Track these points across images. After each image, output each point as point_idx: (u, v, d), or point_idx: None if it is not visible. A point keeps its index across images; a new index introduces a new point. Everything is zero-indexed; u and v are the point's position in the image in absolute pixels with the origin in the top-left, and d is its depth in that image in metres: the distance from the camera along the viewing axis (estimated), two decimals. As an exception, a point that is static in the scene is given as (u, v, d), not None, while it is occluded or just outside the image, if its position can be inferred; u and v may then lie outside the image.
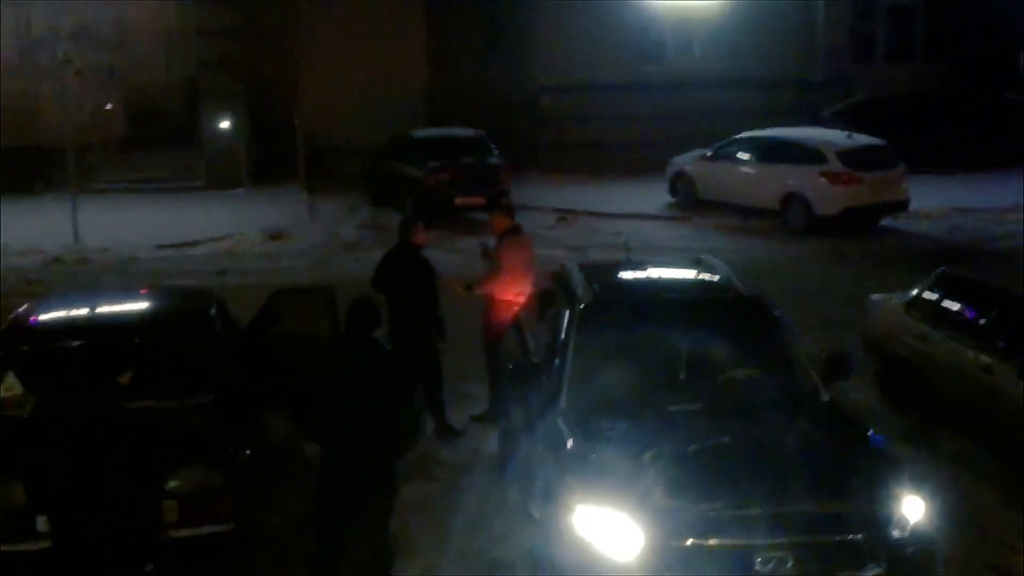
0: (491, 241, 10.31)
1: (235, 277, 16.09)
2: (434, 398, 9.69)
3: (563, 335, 7.78)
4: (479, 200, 20.34)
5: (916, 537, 6.39)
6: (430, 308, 9.69)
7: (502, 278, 9.74)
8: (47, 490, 6.45)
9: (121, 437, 7.06)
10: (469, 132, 21.97)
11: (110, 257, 17.78)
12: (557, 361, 7.64)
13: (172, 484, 6.80)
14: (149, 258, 17.85)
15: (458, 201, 20.05)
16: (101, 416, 7.11)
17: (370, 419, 6.92)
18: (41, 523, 6.61)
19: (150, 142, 25.12)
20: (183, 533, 6.76)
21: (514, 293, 9.70)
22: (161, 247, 18.45)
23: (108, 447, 6.97)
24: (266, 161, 24.37)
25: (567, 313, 7.96)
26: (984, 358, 8.83)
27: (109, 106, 25.05)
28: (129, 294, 9.92)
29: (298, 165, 22.20)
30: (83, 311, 8.64)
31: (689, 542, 6.15)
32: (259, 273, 16.43)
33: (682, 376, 7.67)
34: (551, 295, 8.79)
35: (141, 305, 9.12)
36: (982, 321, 9.11)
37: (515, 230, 10.09)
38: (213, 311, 8.73)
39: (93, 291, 11.32)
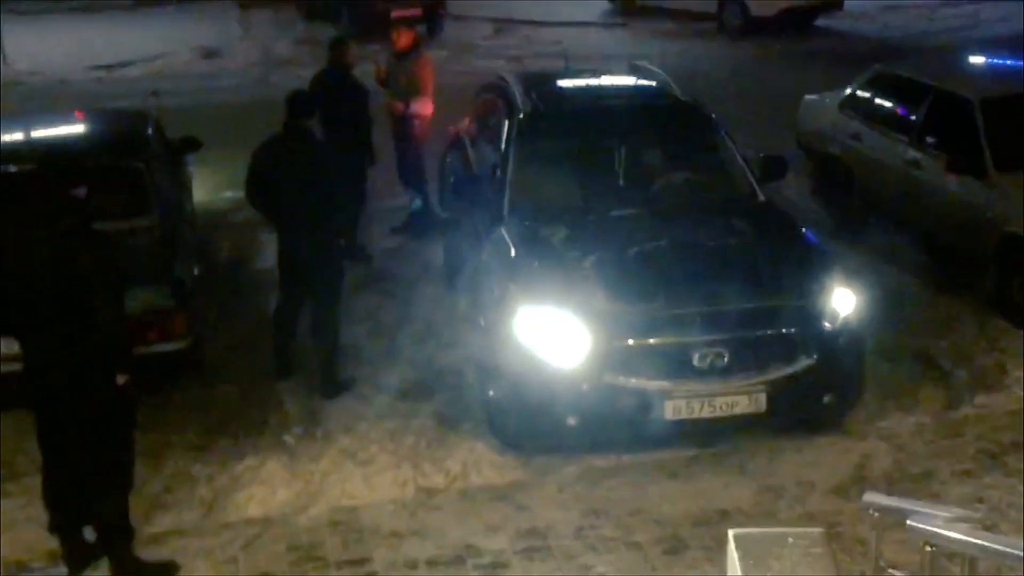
0: (384, 59, 10.28)
1: (170, 98, 15.81)
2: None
3: (503, 145, 7.86)
4: (416, 11, 19.91)
5: (846, 328, 6.70)
6: (365, 132, 9.53)
7: (427, 94, 9.80)
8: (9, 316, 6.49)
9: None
10: (402, -60, 21.36)
11: (41, 80, 17.36)
12: (498, 172, 7.75)
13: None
14: (81, 80, 17.45)
15: (394, 13, 19.63)
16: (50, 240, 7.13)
17: (313, 202, 7.24)
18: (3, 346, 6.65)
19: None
20: (140, 351, 6.89)
21: (432, 108, 9.85)
22: (93, 68, 18.03)
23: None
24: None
25: (506, 123, 8.03)
26: (913, 153, 9.06)
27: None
28: (64, 117, 9.80)
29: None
30: (18, 135, 8.55)
31: (630, 341, 6.42)
32: (195, 93, 16.17)
33: (622, 182, 7.83)
34: (490, 106, 8.83)
35: (78, 128, 9.04)
36: (912, 117, 9.29)
37: (419, 44, 10.10)
38: (149, 132, 8.71)
39: (27, 115, 11.12)
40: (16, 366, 5.81)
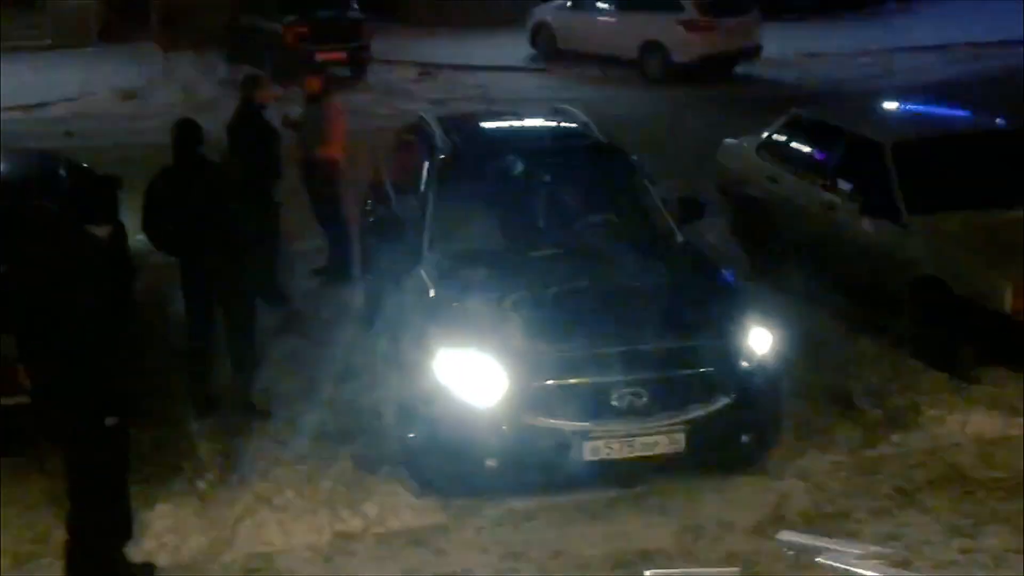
0: (295, 110, 10.44)
1: (85, 139, 15.62)
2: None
3: (423, 186, 7.85)
4: (340, 55, 20.01)
5: (762, 368, 6.74)
6: (273, 171, 9.43)
7: (337, 138, 9.86)
8: None
9: None
10: (327, -15, 21.41)
11: (-47, 120, 17.04)
12: (418, 213, 7.72)
13: None
14: (-3, 120, 17.15)
15: (319, 56, 19.63)
16: None
17: (213, 227, 7.26)
18: None
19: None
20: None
21: (341, 152, 9.94)
22: (8, 109, 17.70)
23: None
24: (117, 18, 23.40)
25: (426, 164, 8.01)
26: (829, 196, 9.20)
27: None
28: None
29: (151, 21, 21.40)
30: None
31: (549, 382, 6.39)
32: (112, 134, 15.97)
33: (542, 223, 7.86)
34: (411, 146, 8.81)
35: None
36: (827, 161, 9.44)
37: (330, 91, 10.22)
38: (62, 173, 8.56)
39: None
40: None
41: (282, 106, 11.77)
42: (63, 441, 5.56)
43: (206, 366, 7.73)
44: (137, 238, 10.67)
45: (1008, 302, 7.60)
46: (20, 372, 6.63)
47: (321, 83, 10.10)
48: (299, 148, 9.93)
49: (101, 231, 7.37)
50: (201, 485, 6.76)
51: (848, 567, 3.28)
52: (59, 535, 6.25)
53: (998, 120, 9.69)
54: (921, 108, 10.50)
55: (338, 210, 10.05)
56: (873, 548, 3.54)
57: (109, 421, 5.49)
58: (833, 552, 3.41)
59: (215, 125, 9.71)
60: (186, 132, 7.55)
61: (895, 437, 7.27)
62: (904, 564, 5.55)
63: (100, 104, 18.30)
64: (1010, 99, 16.15)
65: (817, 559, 3.34)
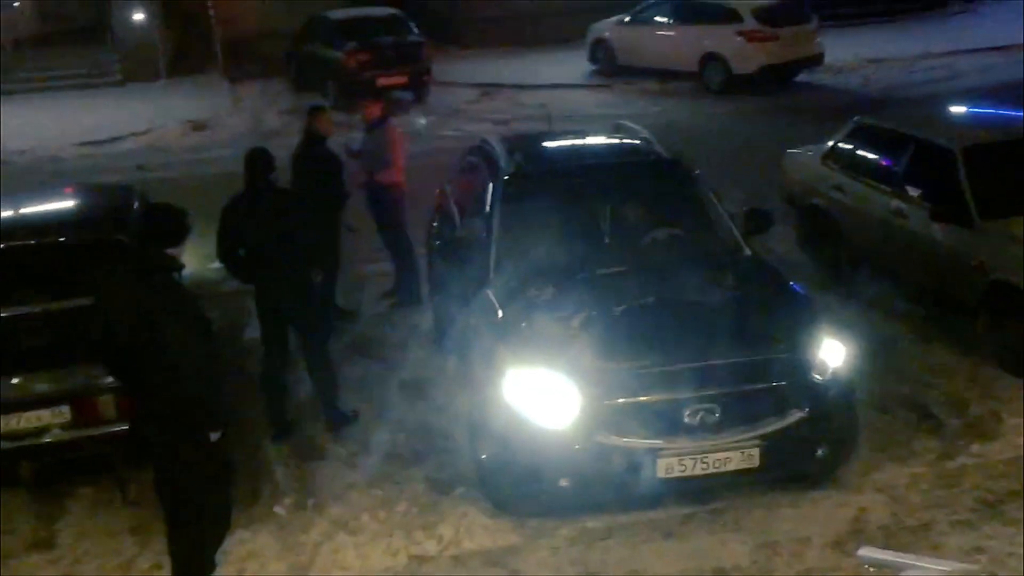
0: (355, 139, 10.51)
1: (159, 171, 15.92)
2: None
3: (487, 207, 7.89)
4: (402, 79, 20.21)
5: (836, 380, 6.65)
6: (337, 199, 9.53)
7: (398, 163, 9.97)
8: None
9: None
10: (387, 11, 21.69)
11: (29, 158, 17.45)
12: (484, 234, 7.76)
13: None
14: (70, 156, 17.55)
15: (381, 81, 19.86)
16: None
17: (286, 251, 7.48)
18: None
19: (62, 38, 24.44)
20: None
21: (402, 176, 10.06)
22: (82, 145, 18.13)
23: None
24: (184, 51, 23.86)
25: (490, 185, 8.05)
26: (897, 203, 9.09)
27: (16, 3, 24.26)
28: (54, 192, 9.81)
29: (216, 53, 21.77)
30: (8, 212, 8.56)
31: (620, 400, 6.37)
32: (183, 165, 16.26)
33: (607, 240, 7.83)
34: (475, 168, 8.87)
35: (67, 203, 9.06)
36: (895, 168, 9.33)
37: (388, 116, 10.32)
38: (136, 205, 8.73)
39: (14, 193, 11.15)
40: None
41: (348, 131, 11.90)
42: (168, 460, 5.69)
43: (282, 391, 7.86)
44: (211, 266, 10.94)
45: (1085, 306, 7.45)
46: (99, 403, 6.82)
47: (380, 109, 10.21)
48: (361, 174, 10.04)
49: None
50: (279, 511, 6.84)
51: (931, 584, 3.23)
52: (143, 563, 6.39)
53: (1069, 121, 9.49)
54: (989, 111, 10.33)
55: (402, 234, 10.16)
56: (957, 565, 3.47)
57: (214, 436, 5.67)
58: (915, 568, 3.35)
59: (282, 152, 9.86)
60: (257, 160, 7.78)
61: (975, 447, 7.13)
62: (989, 578, 5.48)
63: (170, 136, 18.64)
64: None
65: (899, 576, 3.30)
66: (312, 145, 9.51)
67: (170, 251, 5.88)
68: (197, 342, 5.64)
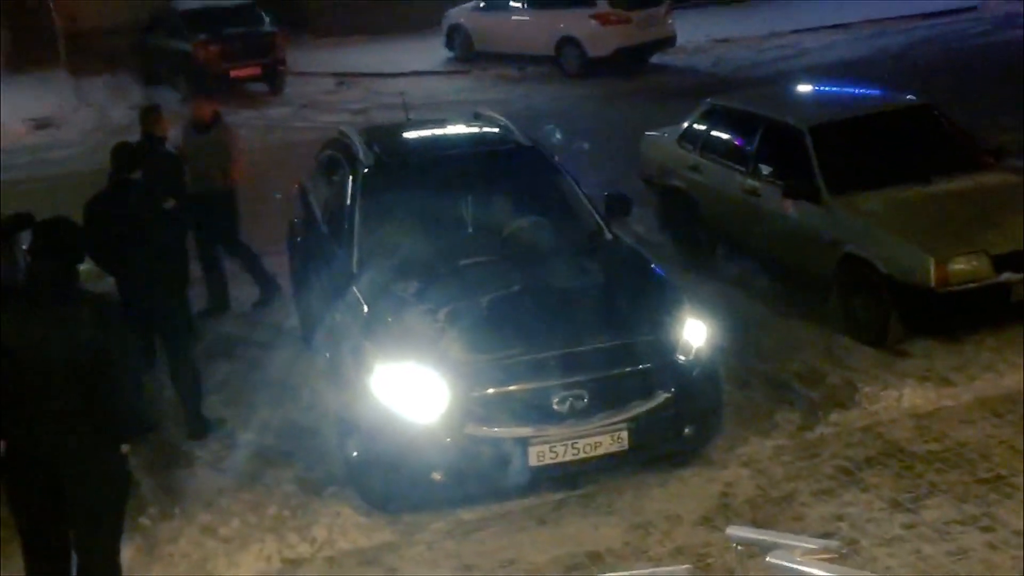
0: (176, 133, 9.80)
1: (3, 173, 15.29)
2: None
3: (348, 201, 7.80)
4: (255, 71, 19.87)
5: (700, 359, 6.79)
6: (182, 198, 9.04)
7: (238, 166, 9.69)
8: None
9: None
10: (236, 0, 21.19)
11: None
12: (345, 228, 7.68)
13: None
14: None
15: (233, 73, 19.47)
16: None
17: (149, 250, 7.43)
18: None
19: None
20: None
21: (239, 178, 9.78)
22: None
23: None
24: (22, 45, 22.95)
25: (350, 179, 7.96)
26: (751, 182, 9.31)
27: None
28: None
29: (58, 47, 21.01)
30: None
31: (489, 391, 6.38)
32: (28, 167, 15.66)
33: (470, 230, 7.81)
34: (332, 162, 8.75)
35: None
36: (747, 147, 9.54)
37: (219, 115, 9.88)
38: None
39: None
40: None
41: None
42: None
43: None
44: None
45: (932, 276, 7.75)
46: None
47: (213, 109, 9.73)
48: (195, 182, 9.37)
49: None
50: (144, 521, 6.65)
51: (795, 565, 3.32)
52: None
53: (908, 96, 9.86)
54: (834, 90, 10.66)
55: (238, 237, 9.80)
56: (820, 541, 3.58)
57: (124, 448, 5.33)
58: (779, 548, 3.44)
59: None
60: (120, 154, 7.83)
61: (833, 416, 7.36)
62: (852, 545, 5.64)
63: (11, 136, 17.89)
64: (916, 73, 16.52)
65: (767, 558, 3.37)
66: (151, 147, 9.09)
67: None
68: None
